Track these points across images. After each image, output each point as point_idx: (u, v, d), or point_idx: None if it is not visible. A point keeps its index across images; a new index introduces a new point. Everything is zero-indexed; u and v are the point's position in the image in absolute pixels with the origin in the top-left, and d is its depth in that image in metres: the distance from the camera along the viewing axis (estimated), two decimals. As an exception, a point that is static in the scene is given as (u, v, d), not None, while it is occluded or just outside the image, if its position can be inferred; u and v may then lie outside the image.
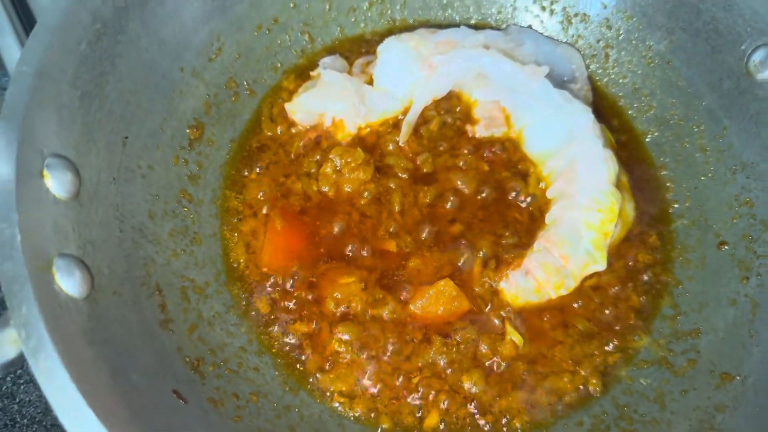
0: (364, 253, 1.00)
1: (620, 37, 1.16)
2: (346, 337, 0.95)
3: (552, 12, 1.20)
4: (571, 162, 1.03)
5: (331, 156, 1.04)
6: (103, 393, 0.69)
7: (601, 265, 0.99)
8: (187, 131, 1.03)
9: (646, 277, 1.03)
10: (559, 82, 1.13)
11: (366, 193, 1.04)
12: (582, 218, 1.00)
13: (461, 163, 1.08)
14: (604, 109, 1.16)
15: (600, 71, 1.19)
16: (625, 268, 1.03)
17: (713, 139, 1.07)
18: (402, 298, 0.98)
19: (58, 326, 0.69)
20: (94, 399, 0.65)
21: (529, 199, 1.06)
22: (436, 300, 0.97)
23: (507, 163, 1.08)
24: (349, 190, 1.04)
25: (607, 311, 1.00)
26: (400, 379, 0.94)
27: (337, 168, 1.04)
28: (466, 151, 1.08)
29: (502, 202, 1.06)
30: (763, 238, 0.98)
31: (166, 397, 0.79)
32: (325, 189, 1.04)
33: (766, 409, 0.84)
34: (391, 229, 1.02)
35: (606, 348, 0.98)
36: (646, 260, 1.04)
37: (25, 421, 1.03)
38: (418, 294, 0.97)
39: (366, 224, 1.03)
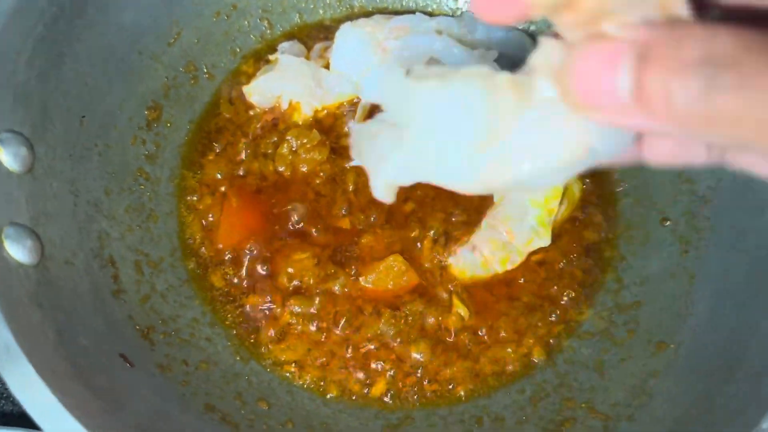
0: (318, 231, 1.03)
1: (570, 23, 1.20)
2: (298, 309, 0.98)
3: (505, -1, 1.24)
4: None
5: (287, 137, 1.07)
6: (46, 351, 0.72)
7: (545, 241, 1.03)
8: (146, 112, 1.06)
9: (591, 253, 1.07)
10: (511, 66, 1.17)
11: (321, 173, 1.07)
12: (527, 196, 1.03)
13: None
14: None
15: (551, 56, 1.22)
16: (570, 244, 1.06)
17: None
18: (353, 273, 1.01)
19: (5, 289, 0.72)
20: (36, 356, 0.69)
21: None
22: (386, 275, 1.00)
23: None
24: (305, 170, 1.07)
25: (552, 285, 1.03)
26: (349, 349, 0.97)
27: (294, 149, 1.07)
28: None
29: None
30: (702, 213, 1.01)
31: (112, 360, 0.82)
32: (281, 169, 1.07)
33: (694, 372, 0.87)
34: (344, 209, 1.05)
35: (550, 320, 1.01)
36: (592, 238, 1.07)
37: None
38: (369, 269, 1.01)
39: (321, 203, 1.06)
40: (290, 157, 1.07)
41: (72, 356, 0.75)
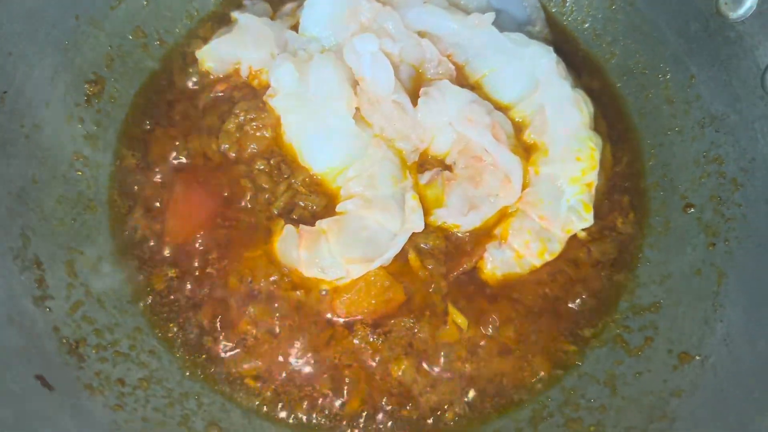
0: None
1: (579, -23, 1.04)
2: (255, 316, 0.84)
3: (503, -49, 1.08)
4: (540, 110, 0.92)
5: (235, 111, 0.92)
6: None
7: (588, 221, 0.89)
8: (85, 86, 0.92)
9: (603, 244, 0.92)
10: (515, 25, 1.02)
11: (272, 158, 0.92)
12: (560, 172, 0.89)
13: None
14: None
15: (558, 17, 1.06)
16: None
17: (680, 89, 0.95)
18: (323, 292, 0.87)
19: None
20: None
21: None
22: (366, 292, 0.85)
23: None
24: (254, 150, 0.92)
25: (557, 281, 0.89)
26: (317, 364, 0.83)
27: (241, 124, 0.92)
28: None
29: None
30: (733, 199, 0.86)
31: (26, 384, 0.69)
32: (225, 147, 0.92)
33: (724, 394, 0.73)
34: (303, 203, 0.90)
35: (555, 323, 0.87)
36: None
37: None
38: (344, 287, 0.86)
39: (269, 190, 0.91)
40: (237, 134, 0.92)
41: (-33, 384, 0.61)
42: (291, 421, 0.82)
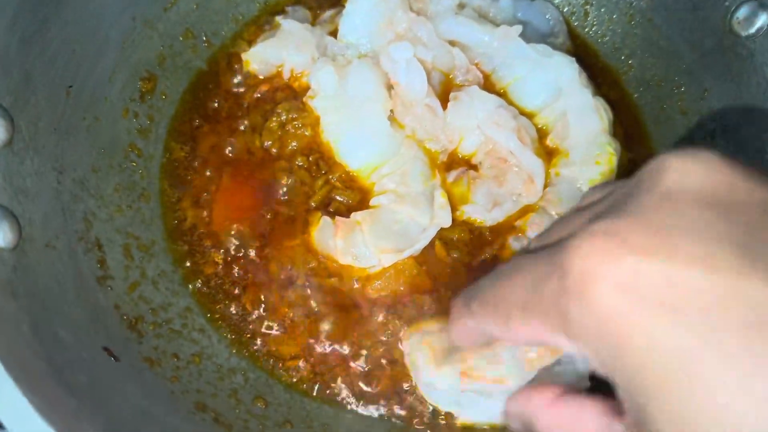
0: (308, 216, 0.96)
1: (600, -7, 1.11)
2: (294, 300, 0.91)
3: (530, -34, 1.15)
4: (562, 116, 0.98)
5: (277, 110, 0.99)
6: (17, 346, 0.65)
7: None
8: (139, 83, 0.99)
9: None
10: (539, 37, 1.08)
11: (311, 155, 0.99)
12: (579, 175, 0.96)
13: None
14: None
15: (579, 30, 1.13)
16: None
17: (694, 101, 1.02)
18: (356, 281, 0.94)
19: (-25, 276, 0.66)
20: (5, 351, 0.62)
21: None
22: (395, 280, 0.92)
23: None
24: (294, 147, 0.99)
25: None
26: (349, 345, 0.90)
27: (283, 123, 0.99)
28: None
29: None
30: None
31: (95, 355, 0.76)
32: (268, 144, 0.99)
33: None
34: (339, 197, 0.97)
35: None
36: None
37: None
38: (375, 275, 0.93)
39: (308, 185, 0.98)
40: (279, 132, 0.99)
41: (48, 352, 0.68)
42: (326, 394, 0.89)
